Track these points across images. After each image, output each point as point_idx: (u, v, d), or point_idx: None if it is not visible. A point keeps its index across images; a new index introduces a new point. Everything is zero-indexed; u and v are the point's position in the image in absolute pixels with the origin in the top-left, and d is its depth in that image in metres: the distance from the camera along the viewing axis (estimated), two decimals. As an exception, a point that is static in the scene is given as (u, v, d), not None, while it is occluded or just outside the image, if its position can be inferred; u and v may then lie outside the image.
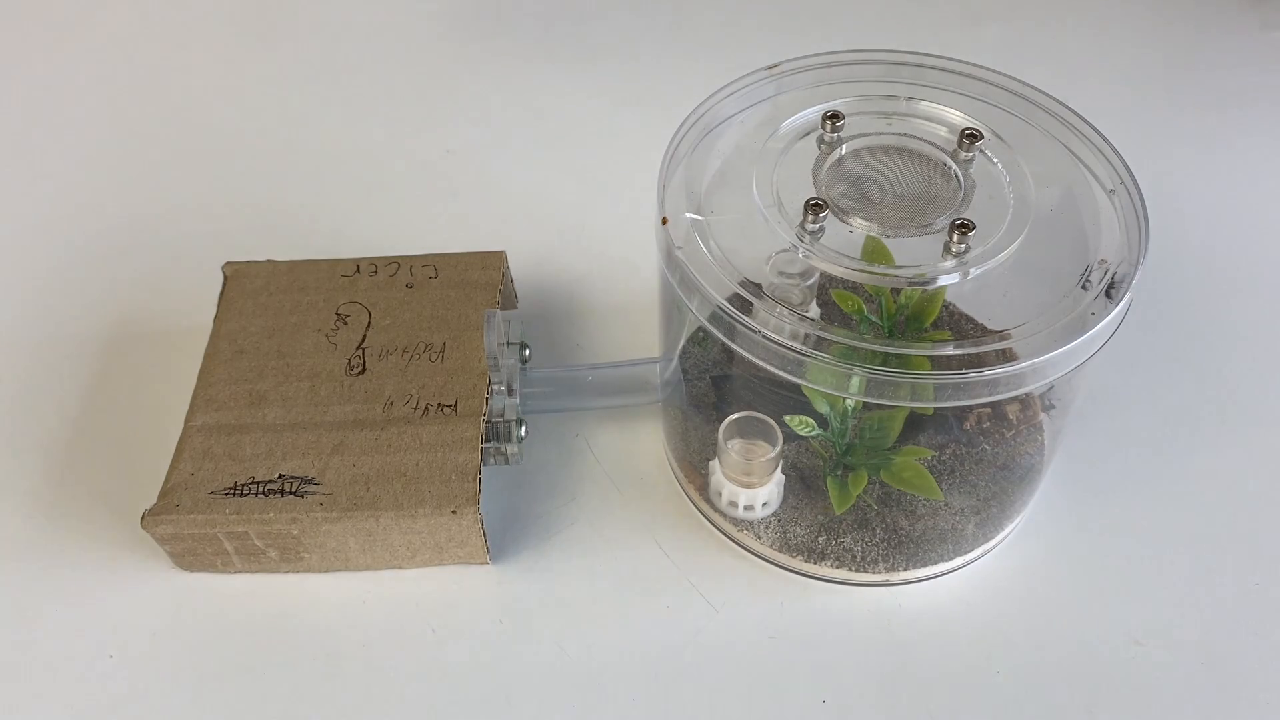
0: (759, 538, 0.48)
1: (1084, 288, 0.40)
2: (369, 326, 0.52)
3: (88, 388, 0.56)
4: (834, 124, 0.44)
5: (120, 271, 0.63)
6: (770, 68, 0.47)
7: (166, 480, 0.47)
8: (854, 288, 0.47)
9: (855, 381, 0.38)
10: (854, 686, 0.45)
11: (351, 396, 0.50)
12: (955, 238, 0.40)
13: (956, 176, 0.43)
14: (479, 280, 0.54)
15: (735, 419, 0.47)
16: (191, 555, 0.47)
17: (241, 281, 0.55)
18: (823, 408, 0.45)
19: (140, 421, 0.54)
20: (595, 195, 0.68)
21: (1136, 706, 0.44)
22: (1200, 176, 0.68)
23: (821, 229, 0.41)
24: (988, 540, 0.48)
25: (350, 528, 0.46)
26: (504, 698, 0.45)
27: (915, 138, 0.45)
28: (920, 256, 0.41)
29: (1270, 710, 0.44)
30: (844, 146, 0.44)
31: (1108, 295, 0.39)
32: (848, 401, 0.44)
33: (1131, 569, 0.48)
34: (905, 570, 0.47)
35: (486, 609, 0.48)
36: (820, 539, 0.48)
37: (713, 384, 0.51)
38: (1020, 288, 0.41)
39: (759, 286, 0.41)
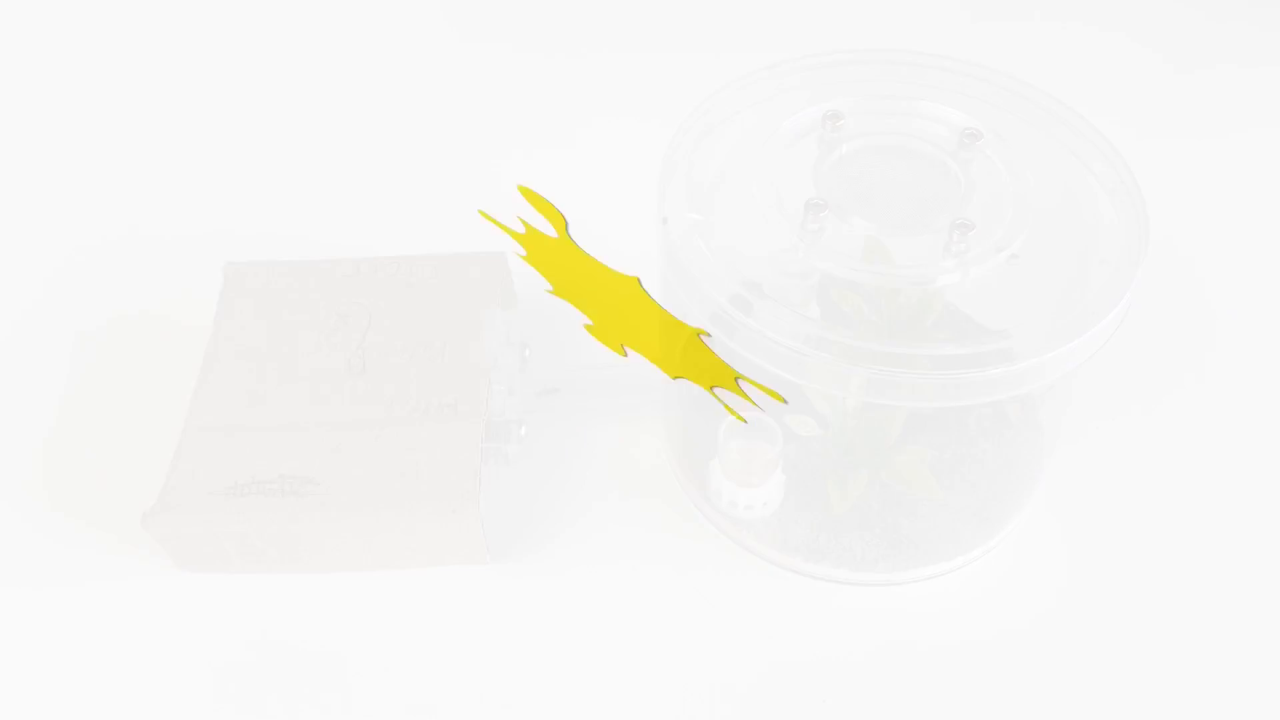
0: (759, 538, 0.48)
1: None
2: (369, 326, 0.52)
3: (88, 388, 0.56)
4: (834, 124, 0.44)
5: (120, 271, 0.63)
6: (770, 68, 0.47)
7: (166, 480, 0.47)
8: (854, 287, 0.47)
9: (855, 381, 0.38)
10: (854, 686, 0.45)
11: (351, 396, 0.50)
12: (955, 238, 0.40)
13: (957, 176, 0.43)
14: (479, 280, 0.54)
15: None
16: (191, 555, 0.47)
17: (241, 281, 0.55)
18: (823, 408, 0.45)
19: (140, 421, 0.54)
20: (595, 195, 0.67)
21: (1138, 706, 0.44)
22: (1200, 177, 0.68)
23: (821, 229, 0.41)
24: (988, 540, 0.48)
25: (350, 528, 0.46)
26: (504, 698, 0.45)
27: (915, 137, 0.45)
28: (920, 256, 0.41)
29: (1270, 710, 0.44)
30: (844, 146, 0.44)
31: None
32: (848, 401, 0.44)
33: (1131, 568, 0.48)
34: (905, 570, 0.47)
35: (486, 609, 0.48)
36: (820, 539, 0.48)
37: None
38: (1020, 288, 0.41)
39: (759, 286, 0.41)
